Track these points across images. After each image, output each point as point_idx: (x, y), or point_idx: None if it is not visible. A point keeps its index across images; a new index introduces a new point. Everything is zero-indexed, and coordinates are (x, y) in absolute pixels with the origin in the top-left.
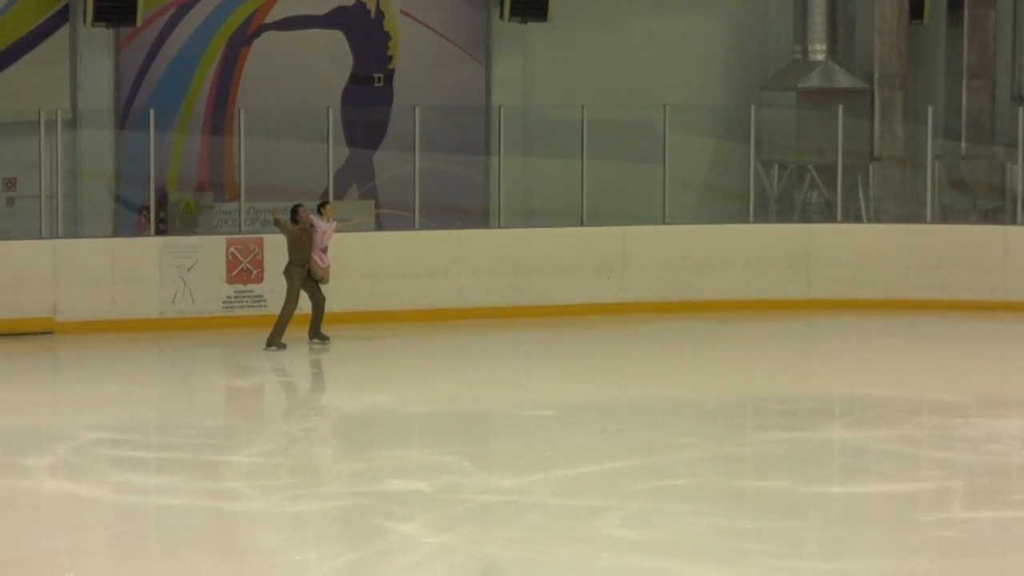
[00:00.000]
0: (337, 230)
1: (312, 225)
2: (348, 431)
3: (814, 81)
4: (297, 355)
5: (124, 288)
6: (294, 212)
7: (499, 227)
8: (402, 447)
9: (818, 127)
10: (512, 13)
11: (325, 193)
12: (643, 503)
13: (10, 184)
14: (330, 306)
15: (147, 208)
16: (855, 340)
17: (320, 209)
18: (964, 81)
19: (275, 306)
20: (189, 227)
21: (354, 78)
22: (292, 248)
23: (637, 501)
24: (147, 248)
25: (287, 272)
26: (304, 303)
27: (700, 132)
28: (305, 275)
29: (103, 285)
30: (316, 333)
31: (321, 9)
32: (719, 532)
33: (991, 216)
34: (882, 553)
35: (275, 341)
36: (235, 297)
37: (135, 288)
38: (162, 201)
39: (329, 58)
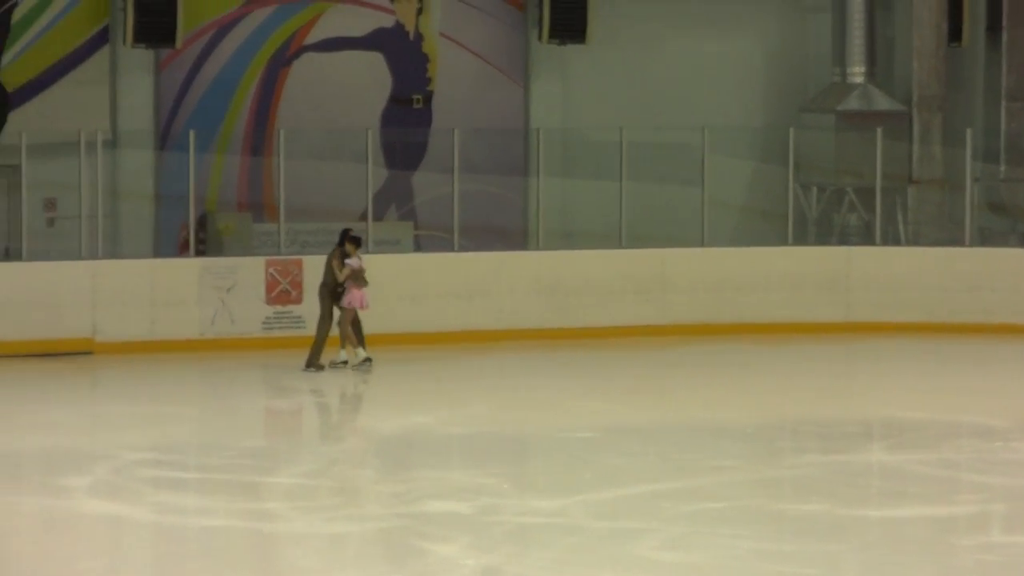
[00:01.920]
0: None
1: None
2: (387, 452)
3: (853, 103)
4: (337, 376)
5: (163, 309)
6: (345, 234)
7: (538, 249)
8: (441, 468)
9: (857, 149)
10: (551, 35)
11: (364, 215)
12: (682, 526)
13: (50, 205)
14: (369, 328)
15: (186, 228)
16: (894, 363)
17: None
18: (1003, 103)
19: (314, 327)
20: (228, 248)
21: (393, 99)
22: (328, 269)
23: (676, 524)
24: (187, 269)
25: (320, 293)
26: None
27: (739, 154)
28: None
29: (143, 306)
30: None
31: (360, 31)
32: (758, 555)
33: None
34: None
35: (313, 362)
36: (274, 318)
37: (174, 309)
38: (202, 222)
39: (368, 79)
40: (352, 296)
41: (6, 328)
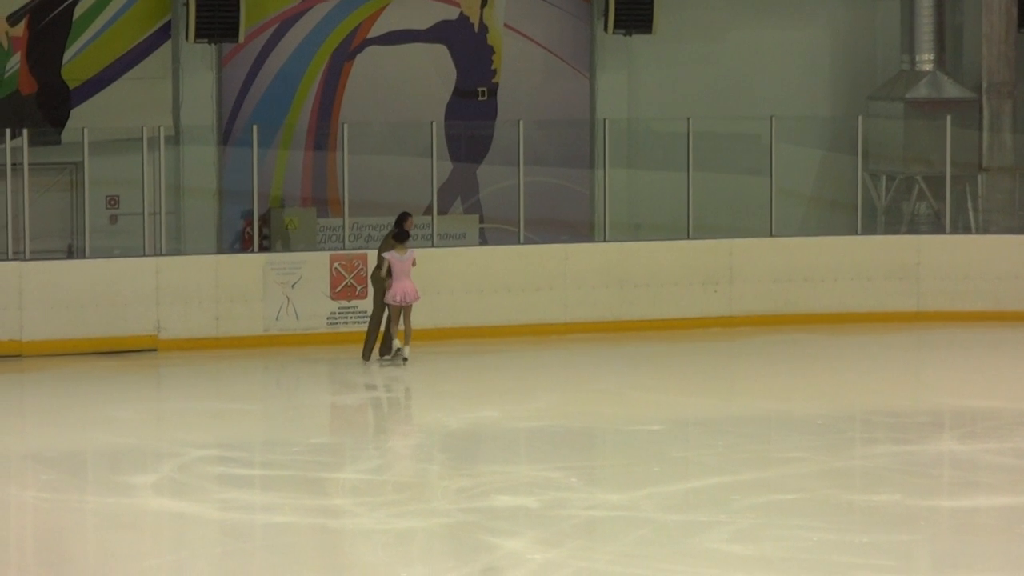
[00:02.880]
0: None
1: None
2: (454, 447)
3: (922, 91)
4: (402, 371)
5: (228, 305)
6: (402, 219)
7: (604, 241)
8: (508, 463)
9: (926, 137)
10: (616, 25)
11: (429, 208)
12: (752, 518)
13: (113, 201)
14: (435, 321)
15: (250, 224)
16: (965, 352)
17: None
18: None
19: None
20: (293, 243)
21: (458, 92)
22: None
23: (746, 516)
24: (251, 265)
25: (373, 276)
26: None
27: (807, 143)
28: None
29: (207, 302)
30: (387, 349)
31: (424, 23)
32: (829, 547)
33: None
34: (993, 567)
35: (368, 353)
36: (339, 313)
37: (239, 305)
38: (265, 217)
39: (432, 72)
40: (393, 292)
41: (70, 326)
